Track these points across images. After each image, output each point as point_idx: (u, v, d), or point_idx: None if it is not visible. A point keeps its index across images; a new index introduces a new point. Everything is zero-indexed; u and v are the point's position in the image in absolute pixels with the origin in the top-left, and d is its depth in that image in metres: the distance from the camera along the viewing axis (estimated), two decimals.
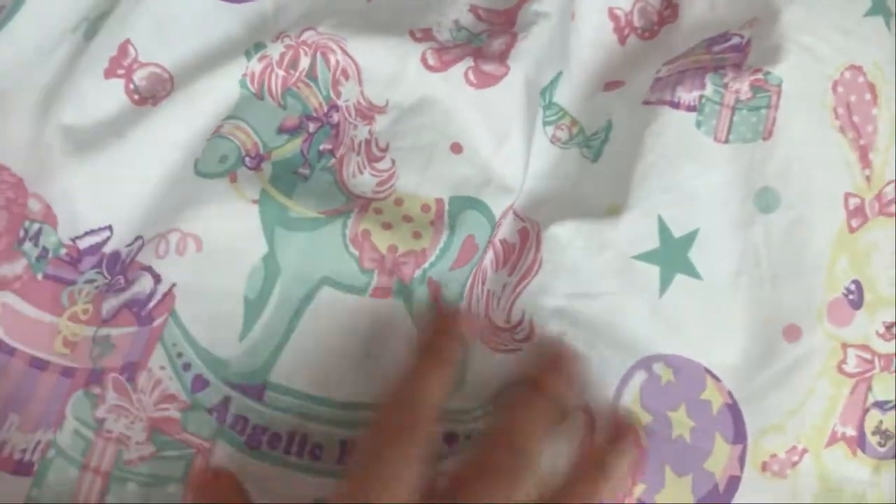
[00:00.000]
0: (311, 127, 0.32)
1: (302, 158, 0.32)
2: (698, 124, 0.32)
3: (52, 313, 0.31)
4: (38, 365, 0.30)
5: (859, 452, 0.31)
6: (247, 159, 0.31)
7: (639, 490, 0.30)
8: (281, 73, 0.32)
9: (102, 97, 0.32)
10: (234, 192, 0.30)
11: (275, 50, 0.32)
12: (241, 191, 0.30)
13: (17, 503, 0.28)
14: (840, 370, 0.31)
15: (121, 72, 0.32)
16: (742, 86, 0.31)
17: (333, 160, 0.32)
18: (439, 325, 0.30)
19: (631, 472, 0.30)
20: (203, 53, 0.33)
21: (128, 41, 0.32)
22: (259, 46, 0.32)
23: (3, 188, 0.31)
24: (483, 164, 0.32)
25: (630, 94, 0.34)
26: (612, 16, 0.36)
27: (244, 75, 0.32)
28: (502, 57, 0.32)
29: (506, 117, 0.32)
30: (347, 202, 0.31)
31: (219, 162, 0.31)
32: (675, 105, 0.32)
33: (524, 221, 0.33)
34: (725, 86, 0.32)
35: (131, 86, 0.32)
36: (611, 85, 0.35)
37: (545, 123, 0.35)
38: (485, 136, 0.32)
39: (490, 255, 0.32)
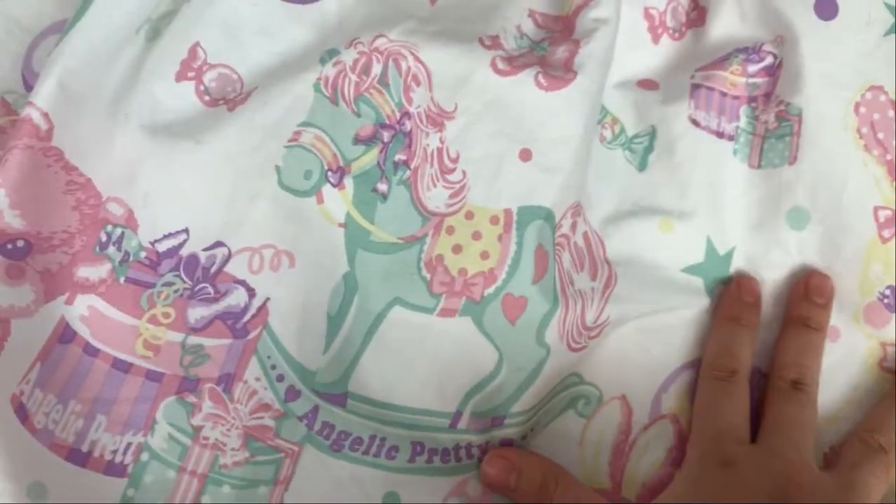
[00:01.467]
0: (386, 136, 0.33)
1: (379, 171, 0.33)
2: (735, 152, 0.34)
3: (133, 315, 0.32)
4: (121, 367, 0.31)
5: None
6: (329, 174, 0.32)
7: None
8: (354, 77, 0.33)
9: (174, 100, 0.32)
10: (323, 216, 0.32)
11: (348, 56, 0.33)
12: (329, 214, 0.32)
13: (111, 503, 0.30)
14: (882, 367, 0.33)
15: (191, 74, 0.32)
16: (769, 117, 0.34)
17: (409, 172, 0.33)
18: (739, 294, 0.33)
19: (671, 459, 0.32)
20: (271, 55, 0.33)
21: (197, 44, 0.33)
22: (333, 52, 0.33)
23: (73, 188, 0.32)
24: (548, 167, 0.32)
25: (670, 101, 0.35)
26: (647, 15, 0.36)
27: (318, 79, 0.33)
28: (567, 64, 0.33)
29: (574, 121, 0.33)
30: (423, 224, 0.32)
31: (304, 178, 0.32)
32: (720, 135, 0.34)
33: (586, 225, 0.34)
34: (756, 118, 0.34)
35: (202, 87, 0.33)
36: (643, 83, 0.36)
37: (596, 126, 0.35)
38: (554, 139, 0.32)
39: (566, 256, 0.33)
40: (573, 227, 0.34)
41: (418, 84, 0.33)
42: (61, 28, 0.33)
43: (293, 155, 0.32)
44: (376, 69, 0.33)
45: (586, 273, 0.34)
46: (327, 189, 0.32)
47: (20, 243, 0.30)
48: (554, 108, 0.32)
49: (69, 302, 0.31)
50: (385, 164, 0.33)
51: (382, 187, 0.33)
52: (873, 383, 0.32)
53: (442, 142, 0.33)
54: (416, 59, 0.33)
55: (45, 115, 0.31)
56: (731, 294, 0.33)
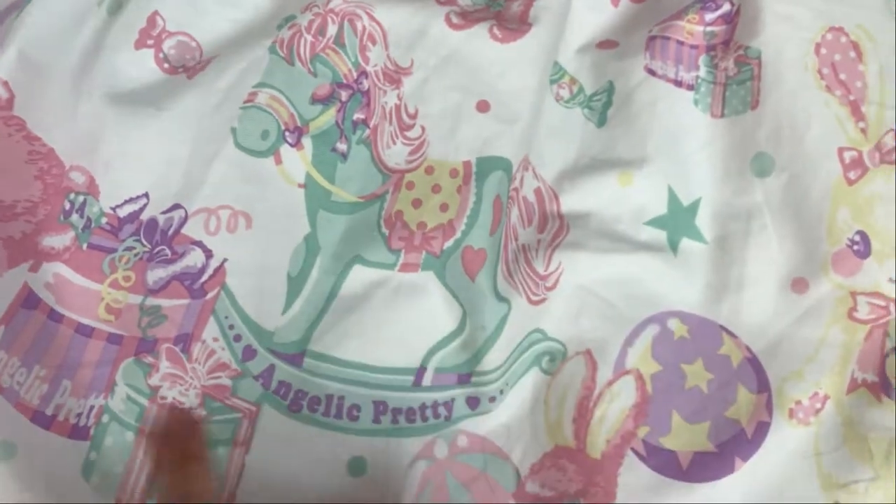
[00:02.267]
0: (343, 95, 0.33)
1: (338, 131, 0.33)
2: (696, 102, 0.33)
3: (96, 281, 0.32)
4: (84, 331, 0.32)
5: (884, 398, 0.31)
6: (286, 134, 0.33)
7: (642, 432, 0.31)
8: (309, 38, 0.33)
9: (134, 67, 0.33)
10: (282, 176, 0.33)
11: (303, 18, 0.33)
12: (288, 175, 0.33)
13: (75, 464, 0.30)
14: (851, 317, 0.31)
15: (150, 42, 0.33)
16: (729, 63, 0.33)
17: (368, 131, 0.33)
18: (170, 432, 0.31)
19: (634, 415, 0.31)
20: (229, 23, 0.33)
21: (156, 12, 0.33)
22: (289, 18, 0.34)
23: (36, 158, 0.32)
24: (507, 118, 0.32)
25: (627, 55, 0.35)
26: None
27: (274, 42, 0.33)
28: (522, 17, 0.33)
29: (529, 71, 0.33)
30: (384, 182, 0.33)
31: (261, 138, 0.33)
32: (679, 84, 0.34)
33: (538, 181, 0.34)
34: (716, 66, 0.33)
35: (161, 55, 0.33)
36: (603, 44, 0.36)
37: (549, 82, 0.35)
38: (510, 90, 0.33)
39: (515, 211, 0.33)
40: (522, 181, 0.33)
41: (374, 43, 0.33)
42: (21, 5, 0.33)
43: (249, 116, 0.33)
44: (332, 30, 0.33)
45: (534, 228, 0.33)
46: (285, 149, 0.33)
47: None
48: (510, 60, 0.33)
49: (34, 269, 0.32)
50: (344, 123, 0.33)
51: (342, 147, 0.33)
52: (841, 335, 0.31)
53: (400, 98, 0.33)
54: (371, 17, 0.33)
55: (6, 83, 0.31)
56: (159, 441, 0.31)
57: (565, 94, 0.35)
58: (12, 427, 0.29)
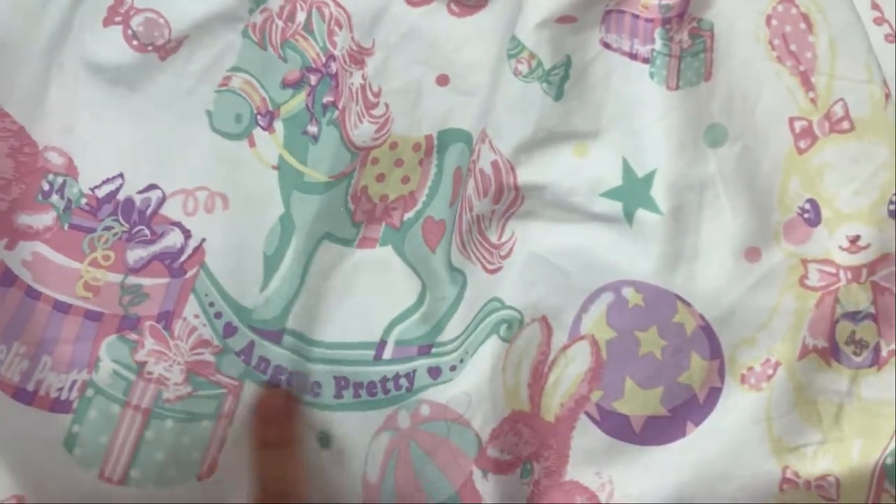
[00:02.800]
0: (313, 79, 0.34)
1: (308, 114, 0.34)
2: (651, 75, 0.34)
3: (76, 259, 0.33)
4: (62, 308, 0.32)
5: (834, 363, 0.31)
6: (259, 117, 0.34)
7: (596, 396, 0.32)
8: (280, 24, 0.34)
9: (103, 45, 0.33)
10: (256, 158, 0.33)
11: (274, 3, 0.34)
12: (262, 157, 0.33)
13: (57, 437, 0.31)
14: (803, 285, 0.32)
15: (118, 19, 0.33)
16: (683, 36, 0.33)
17: (337, 112, 0.34)
18: (265, 415, 0.32)
19: (588, 379, 0.32)
20: (199, 2, 0.34)
21: None
22: (259, 2, 0.34)
23: (6, 136, 0.33)
24: (466, 91, 0.33)
25: (584, 29, 0.35)
26: None
27: (246, 26, 0.34)
28: None
29: (487, 45, 0.33)
30: (352, 160, 0.33)
31: (235, 122, 0.33)
32: (634, 57, 0.34)
33: (495, 153, 0.34)
34: (671, 38, 0.34)
35: (129, 31, 0.33)
36: (562, 19, 0.36)
37: (508, 56, 0.35)
38: (468, 63, 0.33)
39: (472, 183, 0.34)
40: (479, 154, 0.34)
41: (340, 27, 0.34)
42: None
43: (223, 99, 0.33)
44: (300, 16, 0.34)
45: (489, 199, 0.34)
46: (258, 132, 0.34)
47: None
48: (467, 34, 0.33)
49: (9, 248, 0.32)
50: (314, 106, 0.34)
51: (312, 129, 0.34)
52: (794, 303, 0.32)
53: (364, 78, 0.34)
54: (337, 3, 0.34)
55: None
56: (257, 419, 0.32)
57: (524, 68, 0.36)
58: None
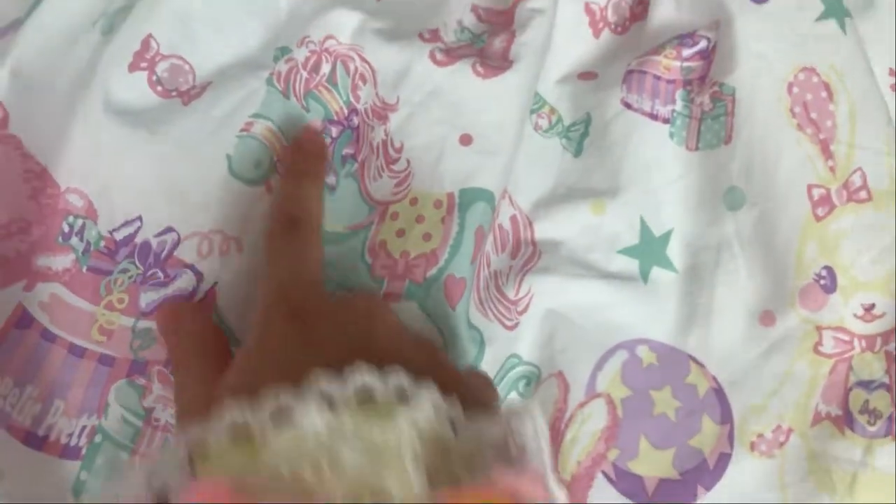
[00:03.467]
0: (334, 131, 0.34)
1: (328, 165, 0.34)
2: (671, 135, 0.34)
3: (92, 302, 0.32)
4: (77, 352, 0.32)
5: (848, 431, 0.31)
6: (278, 165, 0.33)
7: (612, 455, 0.32)
8: (305, 74, 0.34)
9: (128, 90, 0.33)
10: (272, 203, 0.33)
11: (300, 53, 0.34)
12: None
13: (65, 484, 0.30)
14: (817, 351, 0.32)
15: (144, 65, 0.33)
16: (704, 98, 0.34)
17: (356, 165, 0.34)
18: (302, 150, 0.32)
19: (605, 438, 0.32)
20: (222, 46, 0.34)
21: (150, 35, 0.33)
22: (285, 50, 0.34)
23: (30, 177, 0.32)
24: (489, 151, 0.33)
25: (605, 87, 0.35)
26: (588, 10, 0.37)
27: (271, 74, 0.34)
28: (504, 54, 0.34)
29: (511, 106, 0.33)
30: (370, 213, 0.33)
31: (254, 167, 0.33)
32: (654, 117, 0.34)
33: (514, 208, 0.34)
34: (692, 100, 0.34)
35: (154, 77, 0.33)
36: (583, 76, 0.37)
37: (530, 112, 0.36)
38: (492, 123, 0.33)
39: (490, 238, 0.33)
40: (499, 210, 0.34)
41: (365, 82, 0.34)
42: (15, 27, 0.34)
43: (244, 144, 0.33)
44: (325, 68, 0.34)
45: (507, 254, 0.34)
46: (275, 179, 0.33)
47: None
48: (492, 95, 0.33)
49: (28, 289, 0.32)
50: (333, 157, 0.34)
51: (331, 180, 0.34)
52: (807, 370, 0.32)
53: (386, 133, 0.34)
54: (363, 58, 0.34)
55: (0, 103, 0.31)
56: (294, 150, 0.32)
57: (544, 123, 0.36)
58: (3, 453, 0.30)
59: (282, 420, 0.19)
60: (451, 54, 0.34)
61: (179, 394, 0.29)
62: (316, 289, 0.28)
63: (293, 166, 0.32)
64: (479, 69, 0.33)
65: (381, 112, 0.34)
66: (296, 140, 0.33)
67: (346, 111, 0.34)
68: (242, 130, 0.34)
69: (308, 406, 0.18)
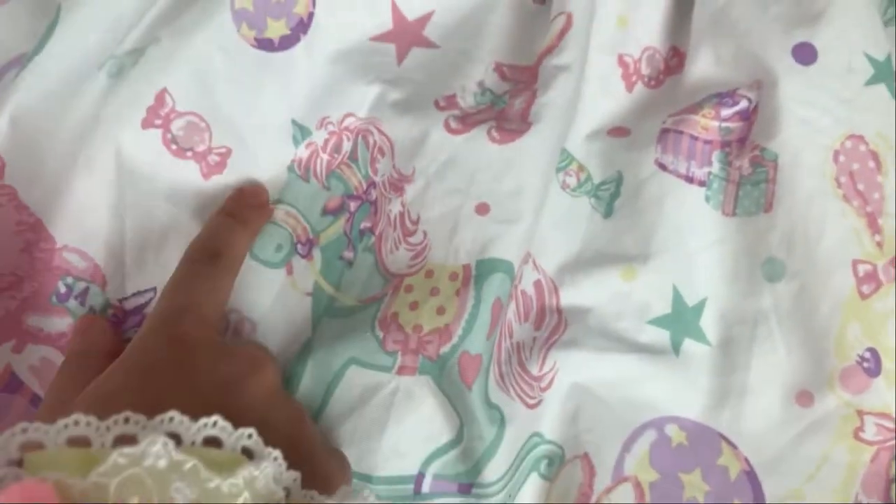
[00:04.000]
0: (353, 206, 0.33)
1: (346, 240, 0.33)
2: (707, 199, 0.32)
3: None
4: None
5: None
6: (299, 246, 0.32)
7: None
8: (326, 157, 0.33)
9: (140, 148, 0.31)
10: (291, 286, 0.32)
11: (319, 136, 0.33)
12: (297, 285, 0.32)
13: None
14: (857, 437, 0.30)
15: (158, 122, 0.31)
16: (743, 162, 0.32)
17: (373, 238, 0.33)
18: (242, 196, 0.32)
19: None
20: (240, 105, 0.32)
21: (165, 90, 0.31)
22: (305, 132, 0.33)
23: (23, 229, 0.31)
24: (507, 219, 0.32)
25: (638, 146, 0.33)
26: (622, 62, 0.35)
27: (293, 161, 0.33)
28: (524, 115, 0.33)
29: (529, 171, 0.32)
30: (384, 285, 0.32)
31: (275, 251, 0.32)
32: (690, 180, 0.32)
33: (538, 272, 0.33)
34: (730, 163, 0.32)
35: (169, 136, 0.31)
36: (614, 131, 0.35)
37: (556, 169, 0.34)
38: (509, 191, 0.32)
39: (512, 306, 0.32)
40: (521, 275, 0.32)
41: (383, 155, 0.33)
42: (21, 62, 0.32)
43: (266, 231, 0.32)
44: (346, 146, 0.34)
45: (530, 324, 0.32)
46: (296, 260, 0.32)
47: None
48: (508, 161, 0.32)
49: (17, 350, 0.30)
50: (351, 232, 0.33)
51: (349, 255, 0.33)
52: (846, 455, 0.30)
53: (403, 205, 0.33)
54: (380, 131, 0.33)
55: None
56: (233, 196, 0.32)
57: (572, 181, 0.34)
58: None
59: (124, 442, 0.19)
60: (467, 121, 0.33)
61: (49, 392, 0.28)
62: (208, 324, 0.27)
63: (229, 207, 0.31)
64: (495, 135, 0.32)
65: (398, 184, 0.33)
66: (239, 188, 0.32)
67: (364, 185, 0.34)
68: None
69: (155, 438, 0.18)
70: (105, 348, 0.29)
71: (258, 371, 0.26)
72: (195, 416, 0.20)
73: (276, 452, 0.21)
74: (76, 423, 0.19)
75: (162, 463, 0.18)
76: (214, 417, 0.20)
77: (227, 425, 0.20)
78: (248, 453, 0.21)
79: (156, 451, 0.18)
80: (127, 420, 0.20)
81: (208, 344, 0.26)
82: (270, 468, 0.20)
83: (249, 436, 0.21)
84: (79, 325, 0.30)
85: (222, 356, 0.25)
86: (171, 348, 0.25)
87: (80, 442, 0.19)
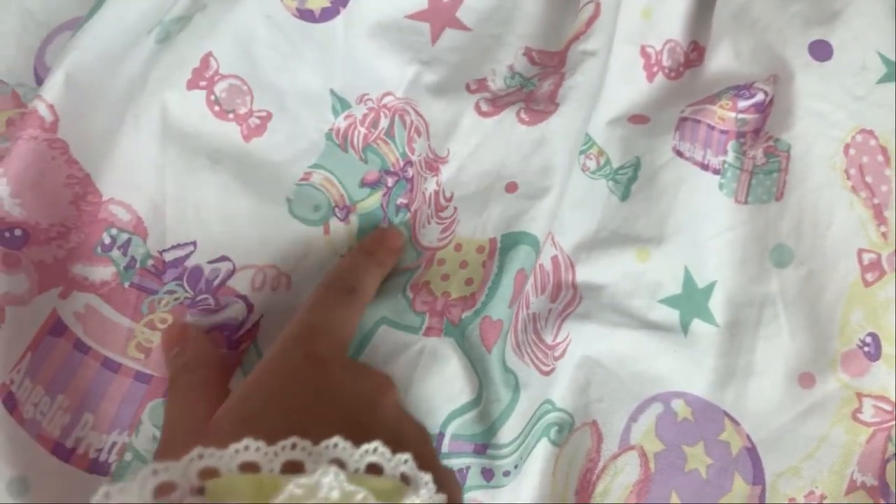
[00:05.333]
0: (390, 181, 0.35)
1: (382, 213, 0.34)
2: (721, 186, 0.34)
3: (132, 319, 0.32)
4: (111, 367, 0.31)
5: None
6: (336, 210, 0.34)
7: None
8: (363, 130, 0.35)
9: (185, 108, 0.32)
10: (328, 245, 0.33)
11: (358, 111, 0.35)
12: (334, 245, 0.33)
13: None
14: (855, 418, 0.31)
15: (203, 83, 0.32)
16: (757, 152, 0.33)
17: (409, 215, 0.34)
18: (382, 238, 0.33)
19: (636, 492, 0.31)
20: (281, 71, 0.34)
21: (210, 54, 0.32)
22: (344, 104, 0.35)
23: (72, 182, 0.32)
24: (533, 195, 0.33)
25: (656, 133, 0.35)
26: (644, 53, 0.37)
27: (331, 129, 0.34)
28: (551, 97, 0.34)
29: (556, 151, 0.33)
30: (417, 257, 0.33)
31: (313, 210, 0.34)
32: (705, 167, 0.34)
33: (556, 249, 0.34)
34: (744, 153, 0.34)
35: (212, 97, 0.33)
36: (634, 119, 0.36)
37: (578, 153, 0.35)
38: (537, 169, 0.33)
39: (530, 279, 0.33)
40: (547, 249, 0.34)
41: (419, 135, 0.35)
42: (75, 25, 0.33)
43: (304, 192, 0.34)
44: (384, 123, 0.35)
45: (546, 296, 0.33)
46: (334, 222, 0.34)
47: (17, 232, 0.31)
48: (536, 140, 0.33)
49: (63, 296, 0.32)
50: (388, 206, 0.35)
51: (384, 226, 0.34)
52: (844, 436, 0.31)
53: (438, 185, 0.34)
54: (417, 112, 0.35)
55: (51, 106, 0.31)
56: (375, 236, 0.33)
57: (592, 164, 0.36)
58: (30, 460, 0.29)
59: (291, 468, 0.19)
60: (497, 104, 0.34)
61: (170, 416, 0.29)
62: (342, 347, 0.28)
63: (367, 246, 0.33)
64: (524, 116, 0.33)
65: (433, 164, 0.34)
66: (380, 229, 0.34)
67: (401, 163, 0.35)
68: (302, 180, 0.34)
69: (326, 469, 0.18)
70: (212, 360, 0.30)
71: (389, 390, 0.26)
72: (344, 436, 0.20)
73: (428, 477, 0.21)
74: (247, 448, 0.19)
75: (335, 495, 0.18)
76: (375, 444, 0.20)
77: (386, 451, 0.20)
78: (406, 481, 0.21)
79: (328, 482, 0.18)
80: (294, 446, 0.20)
81: (342, 363, 0.27)
82: (427, 493, 0.20)
83: (406, 461, 0.21)
84: (170, 336, 0.31)
85: (356, 375, 0.26)
86: (308, 366, 0.25)
87: (250, 467, 0.19)
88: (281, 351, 0.27)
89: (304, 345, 0.26)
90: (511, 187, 0.33)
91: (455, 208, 0.34)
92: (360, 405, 0.24)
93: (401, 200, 0.35)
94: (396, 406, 0.26)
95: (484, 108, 0.34)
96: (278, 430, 0.20)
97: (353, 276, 0.31)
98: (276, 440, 0.20)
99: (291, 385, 0.25)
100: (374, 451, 0.20)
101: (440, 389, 0.31)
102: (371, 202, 0.34)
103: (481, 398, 0.31)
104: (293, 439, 0.20)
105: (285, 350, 0.26)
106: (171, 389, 0.29)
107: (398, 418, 0.26)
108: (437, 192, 0.34)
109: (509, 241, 0.32)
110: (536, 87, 0.35)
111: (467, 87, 0.35)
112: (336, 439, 0.20)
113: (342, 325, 0.29)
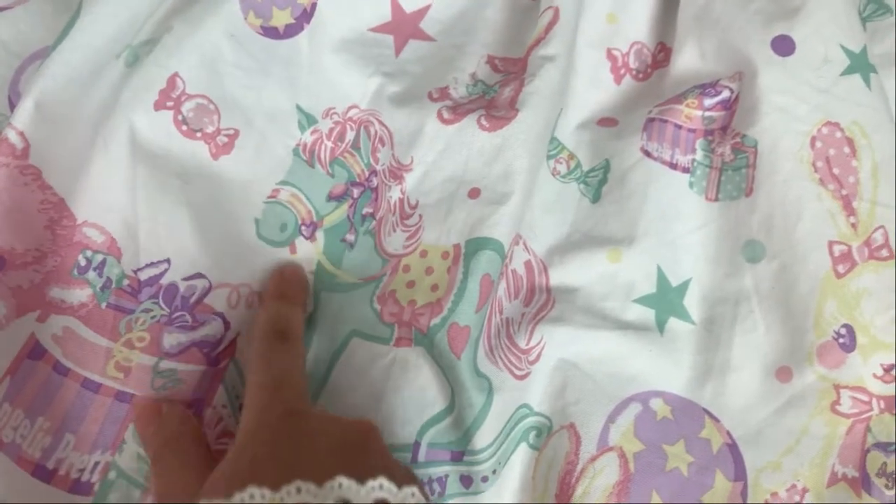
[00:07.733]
0: (356, 192, 0.35)
1: (348, 223, 0.35)
2: (691, 185, 0.34)
3: (110, 339, 0.32)
4: (91, 387, 0.31)
5: (865, 495, 0.31)
6: (303, 228, 0.34)
7: None
8: (330, 144, 0.35)
9: (153, 129, 0.33)
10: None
11: (325, 125, 0.35)
12: (301, 263, 0.34)
13: None
14: (834, 410, 0.31)
15: (169, 104, 0.33)
16: (725, 149, 0.33)
17: (374, 223, 0.34)
18: (284, 276, 0.33)
19: (616, 493, 0.31)
20: (246, 89, 0.34)
21: (176, 74, 0.33)
22: (310, 119, 0.35)
23: (47, 207, 0.32)
24: (496, 200, 0.33)
25: (625, 135, 0.35)
26: (610, 56, 0.37)
27: (297, 145, 0.35)
28: (512, 103, 0.34)
29: (517, 155, 0.34)
30: (383, 265, 0.34)
31: (280, 230, 0.34)
32: (674, 166, 0.34)
33: (528, 253, 0.34)
34: (713, 150, 0.34)
35: (179, 117, 0.33)
36: (603, 121, 0.36)
37: (547, 157, 0.36)
38: (499, 174, 0.34)
39: (503, 284, 0.33)
40: (512, 256, 0.34)
41: (383, 145, 0.35)
42: (45, 54, 0.33)
43: (271, 210, 0.34)
44: (350, 136, 0.35)
45: (520, 301, 0.34)
46: (300, 241, 0.34)
47: None
48: (497, 146, 0.34)
49: (41, 320, 0.32)
50: (354, 216, 0.35)
51: (350, 237, 0.35)
52: (823, 428, 0.31)
53: (403, 192, 0.35)
54: (381, 123, 0.35)
55: (21, 133, 0.31)
56: (276, 279, 0.33)
57: (562, 168, 0.36)
58: (9, 483, 0.29)
59: None
60: (458, 111, 0.35)
61: (161, 491, 0.29)
62: (304, 392, 0.28)
63: (275, 289, 0.33)
64: (484, 123, 0.34)
65: (397, 172, 0.35)
66: (278, 268, 0.34)
67: (366, 173, 0.35)
68: (270, 197, 0.35)
69: None
70: (190, 431, 0.30)
71: (373, 432, 0.26)
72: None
73: None
74: (252, 496, 0.19)
75: None
76: (380, 480, 0.20)
77: (392, 486, 0.20)
78: None
79: None
80: (299, 490, 0.20)
81: (318, 413, 0.27)
82: None
83: (413, 494, 0.21)
84: (144, 415, 0.31)
85: (337, 421, 0.26)
86: (288, 421, 0.25)
87: None
88: (256, 408, 0.27)
89: (273, 404, 0.27)
90: (474, 193, 0.34)
91: (420, 216, 0.34)
92: (351, 449, 0.25)
93: (366, 210, 0.35)
94: (384, 447, 0.26)
95: (446, 115, 0.34)
96: (278, 480, 0.20)
97: (279, 322, 0.31)
98: (278, 487, 0.19)
99: (277, 437, 0.25)
100: (381, 487, 0.20)
101: (414, 399, 0.31)
102: (337, 215, 0.35)
103: (455, 405, 0.31)
104: (297, 483, 0.20)
105: (260, 407, 0.27)
106: (157, 466, 0.29)
107: (387, 458, 0.26)
108: (401, 200, 0.34)
109: (474, 247, 0.33)
110: (497, 93, 0.35)
111: (430, 96, 0.36)
112: (340, 479, 0.20)
113: (293, 370, 0.29)
